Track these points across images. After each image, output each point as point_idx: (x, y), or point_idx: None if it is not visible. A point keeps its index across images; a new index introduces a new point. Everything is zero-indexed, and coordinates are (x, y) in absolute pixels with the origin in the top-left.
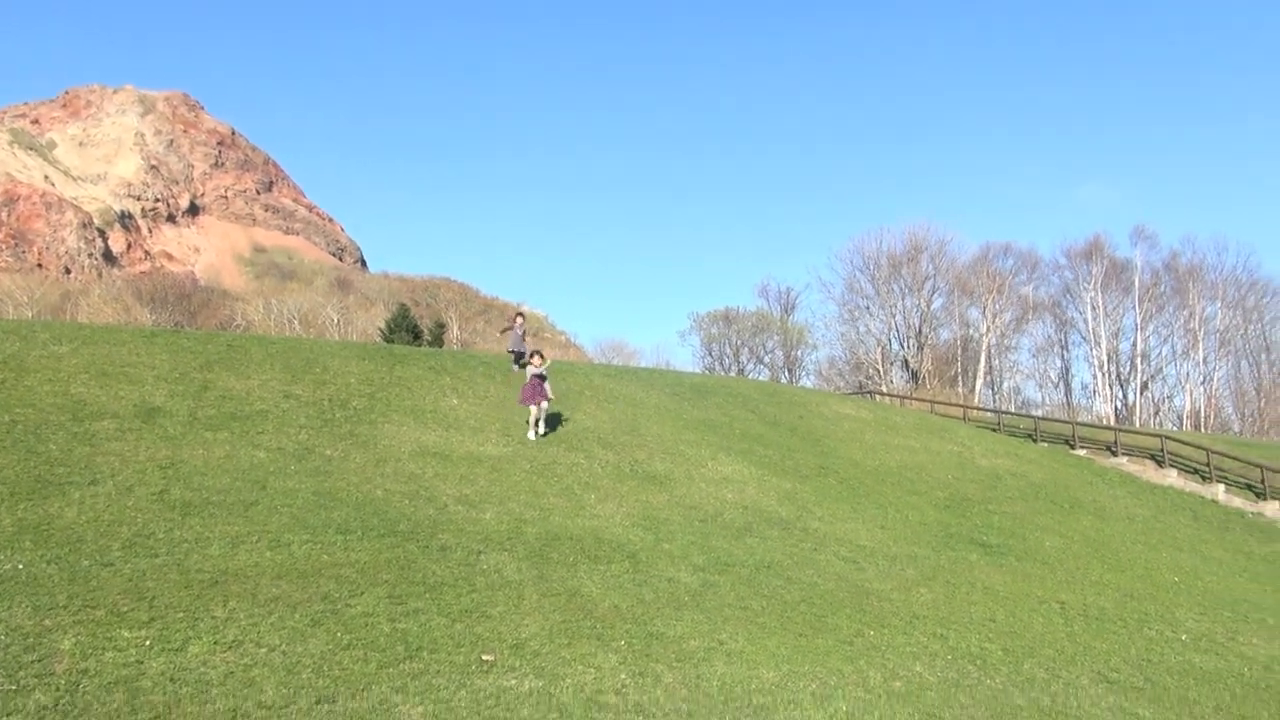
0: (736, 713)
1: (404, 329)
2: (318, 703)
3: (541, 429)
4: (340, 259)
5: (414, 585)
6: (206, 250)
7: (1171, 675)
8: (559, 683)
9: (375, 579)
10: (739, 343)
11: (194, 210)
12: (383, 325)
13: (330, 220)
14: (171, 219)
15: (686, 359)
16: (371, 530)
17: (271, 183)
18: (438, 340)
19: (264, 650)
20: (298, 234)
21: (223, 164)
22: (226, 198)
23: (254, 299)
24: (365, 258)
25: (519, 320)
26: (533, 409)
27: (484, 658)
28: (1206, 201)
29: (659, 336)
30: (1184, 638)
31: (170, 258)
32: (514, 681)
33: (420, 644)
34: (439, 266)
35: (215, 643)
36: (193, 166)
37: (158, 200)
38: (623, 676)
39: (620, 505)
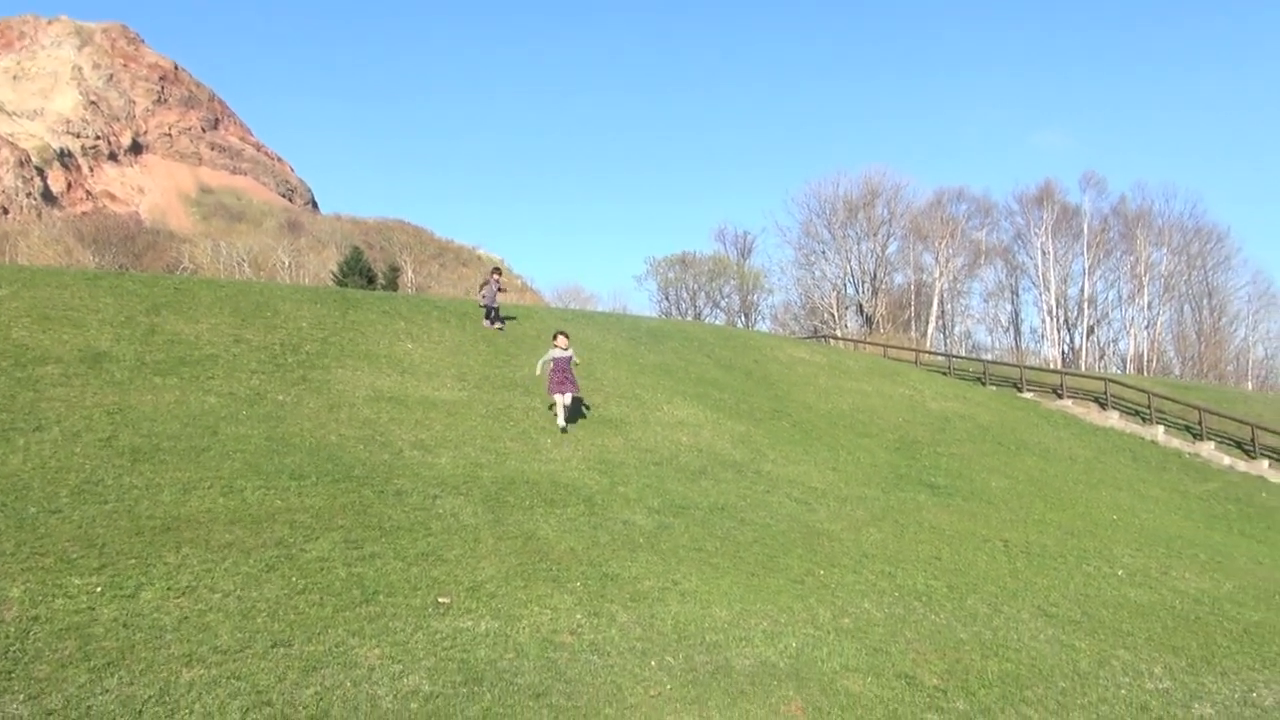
0: (690, 650)
1: (357, 272)
2: (273, 646)
3: (562, 422)
4: (290, 200)
5: (370, 530)
6: (151, 190)
7: (1107, 608)
8: (515, 624)
9: (330, 524)
10: (696, 287)
11: (137, 149)
12: (335, 268)
13: (279, 160)
14: (113, 157)
15: (643, 303)
16: (326, 475)
17: (217, 120)
18: (392, 284)
19: (218, 595)
20: (245, 174)
21: (166, 100)
22: (170, 135)
23: (202, 241)
24: (316, 199)
25: (496, 277)
26: (558, 397)
27: (440, 600)
28: (1159, 149)
29: (616, 281)
30: (1120, 573)
31: (113, 198)
32: (471, 623)
33: (376, 588)
34: (393, 209)
35: (168, 588)
36: (134, 103)
37: (98, 138)
38: (578, 617)
39: (576, 449)
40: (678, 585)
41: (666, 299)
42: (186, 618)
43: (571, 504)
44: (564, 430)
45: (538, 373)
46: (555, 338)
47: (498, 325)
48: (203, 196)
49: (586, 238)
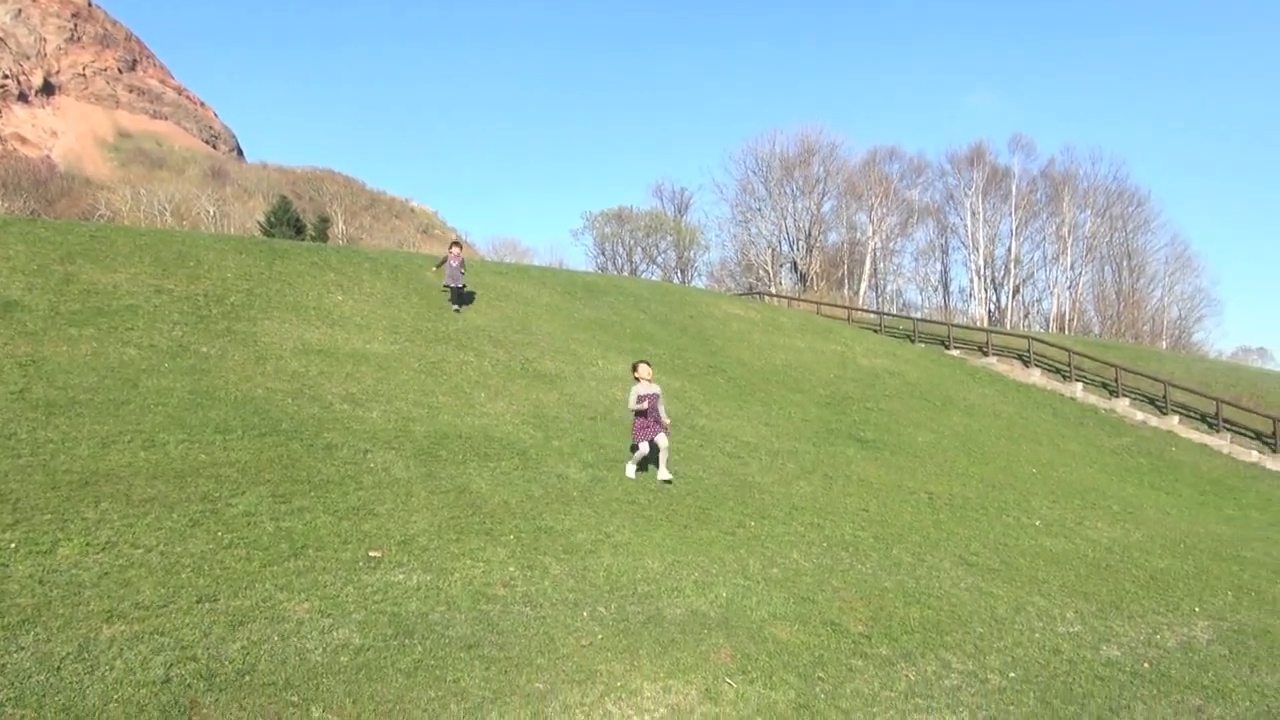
0: (622, 601)
1: (285, 223)
2: (199, 601)
3: (665, 474)
4: (214, 147)
5: (298, 484)
6: (65, 134)
7: (1024, 557)
8: (448, 576)
9: (257, 478)
10: (632, 242)
11: (49, 89)
12: (262, 218)
13: (202, 105)
14: (23, 98)
15: (580, 258)
16: (252, 429)
17: (135, 61)
18: (322, 235)
19: (140, 551)
20: (166, 118)
21: (79, 39)
22: (85, 76)
23: (120, 188)
24: (242, 146)
25: (456, 251)
26: (644, 446)
27: (371, 554)
28: (1087, 112)
29: (553, 235)
30: (1037, 523)
31: (24, 141)
32: (402, 576)
33: (306, 542)
34: (322, 158)
35: (87, 544)
36: (45, 40)
37: (6, 77)
38: (511, 569)
39: (511, 403)
40: (611, 538)
41: (603, 254)
42: (106, 573)
43: (505, 458)
44: (668, 482)
45: (631, 405)
46: (636, 369)
47: (456, 308)
48: (121, 141)
49: (523, 191)
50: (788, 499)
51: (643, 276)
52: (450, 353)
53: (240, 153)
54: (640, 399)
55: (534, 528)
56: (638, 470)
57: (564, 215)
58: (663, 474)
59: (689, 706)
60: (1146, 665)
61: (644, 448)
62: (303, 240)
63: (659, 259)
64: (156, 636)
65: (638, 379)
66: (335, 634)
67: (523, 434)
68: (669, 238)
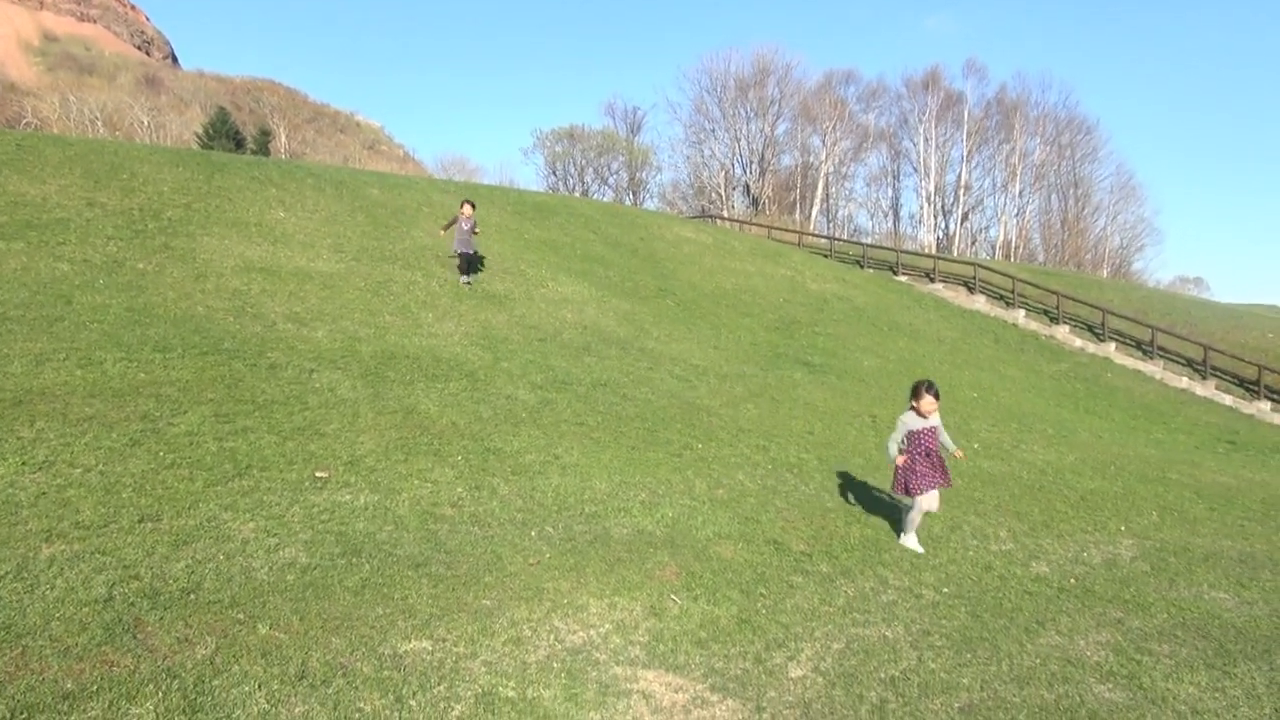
0: (569, 520)
1: (224, 135)
2: (140, 521)
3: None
4: (147, 53)
5: (242, 404)
6: None
7: (962, 478)
8: (395, 496)
9: (199, 397)
10: (584, 162)
11: None
12: (200, 130)
13: (133, 8)
14: None
15: (530, 177)
16: (193, 348)
17: None
18: (263, 149)
19: (79, 470)
20: (95, 21)
21: None
22: None
23: (47, 94)
24: (176, 53)
25: (468, 211)
26: (924, 500)
27: (318, 474)
28: (1040, 36)
29: (503, 154)
30: (976, 446)
31: None
32: (349, 496)
33: (250, 462)
34: (262, 67)
35: (23, 464)
36: None
37: None
38: (459, 489)
39: (459, 324)
40: (559, 459)
41: (554, 174)
42: (44, 493)
43: (454, 379)
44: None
45: (892, 454)
46: (920, 395)
47: (466, 281)
48: (47, 45)
49: (473, 108)
50: (735, 421)
51: (594, 197)
52: (397, 272)
53: (175, 60)
54: (904, 440)
55: (482, 448)
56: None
57: (514, 133)
58: (908, 540)
59: (634, 622)
60: (1073, 581)
61: (924, 501)
62: (243, 154)
63: (611, 180)
64: (98, 556)
65: (916, 410)
66: (281, 553)
67: (471, 355)
68: (621, 158)
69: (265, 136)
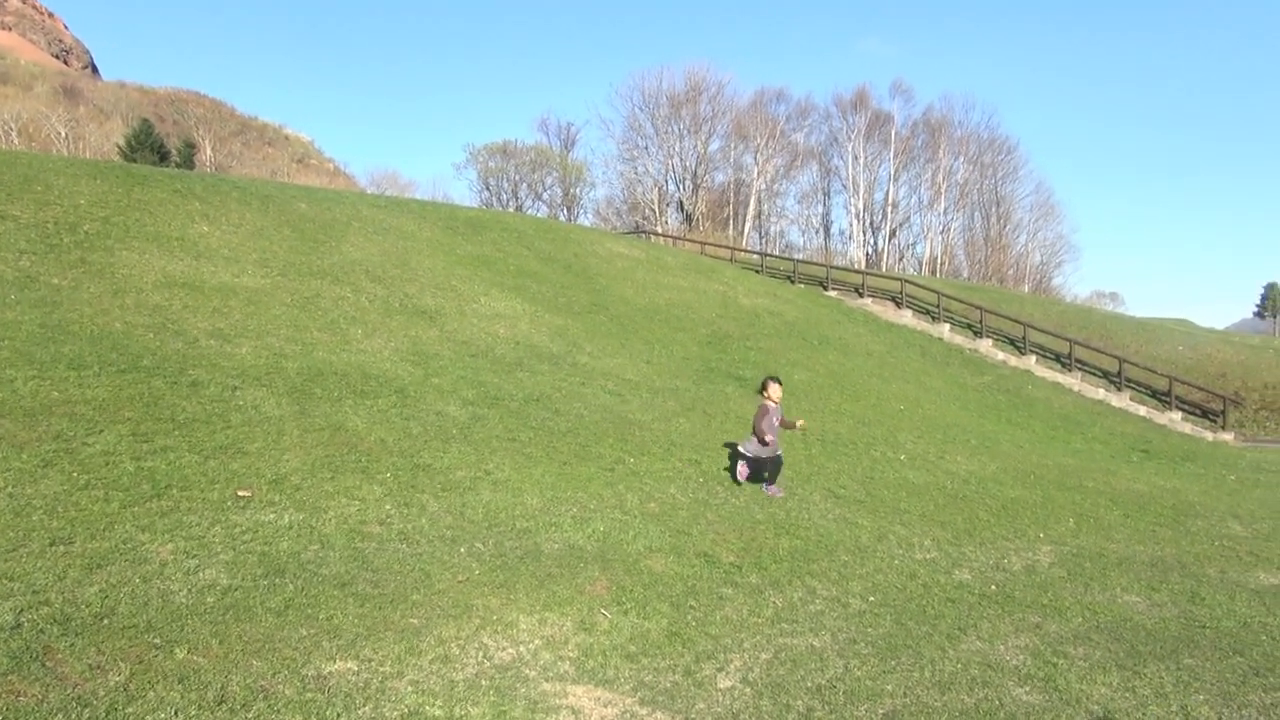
0: (500, 537)
1: (148, 148)
2: (52, 544)
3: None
4: (65, 62)
5: (161, 422)
6: None
7: (889, 489)
8: (321, 515)
9: (116, 416)
10: (517, 178)
11: None
12: (122, 142)
13: (50, 15)
14: None
15: (464, 193)
16: (110, 365)
17: None
18: (188, 162)
19: None
20: (9, 28)
21: None
22: None
23: None
24: (96, 63)
25: (775, 397)
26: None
27: (240, 493)
28: (966, 60)
29: (436, 169)
30: (902, 457)
31: None
32: (273, 516)
33: (169, 482)
34: (187, 78)
35: None
36: None
37: None
38: (388, 507)
39: (389, 340)
40: (490, 475)
41: (487, 189)
42: None
43: (383, 395)
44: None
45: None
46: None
47: (773, 491)
48: None
49: (405, 122)
50: (667, 436)
51: (528, 213)
52: (325, 288)
53: (95, 70)
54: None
55: (412, 465)
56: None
57: (448, 148)
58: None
59: (564, 637)
60: (994, 587)
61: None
62: (166, 167)
63: (545, 195)
64: (5, 581)
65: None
66: (201, 575)
67: (401, 371)
68: (555, 174)
69: (190, 149)
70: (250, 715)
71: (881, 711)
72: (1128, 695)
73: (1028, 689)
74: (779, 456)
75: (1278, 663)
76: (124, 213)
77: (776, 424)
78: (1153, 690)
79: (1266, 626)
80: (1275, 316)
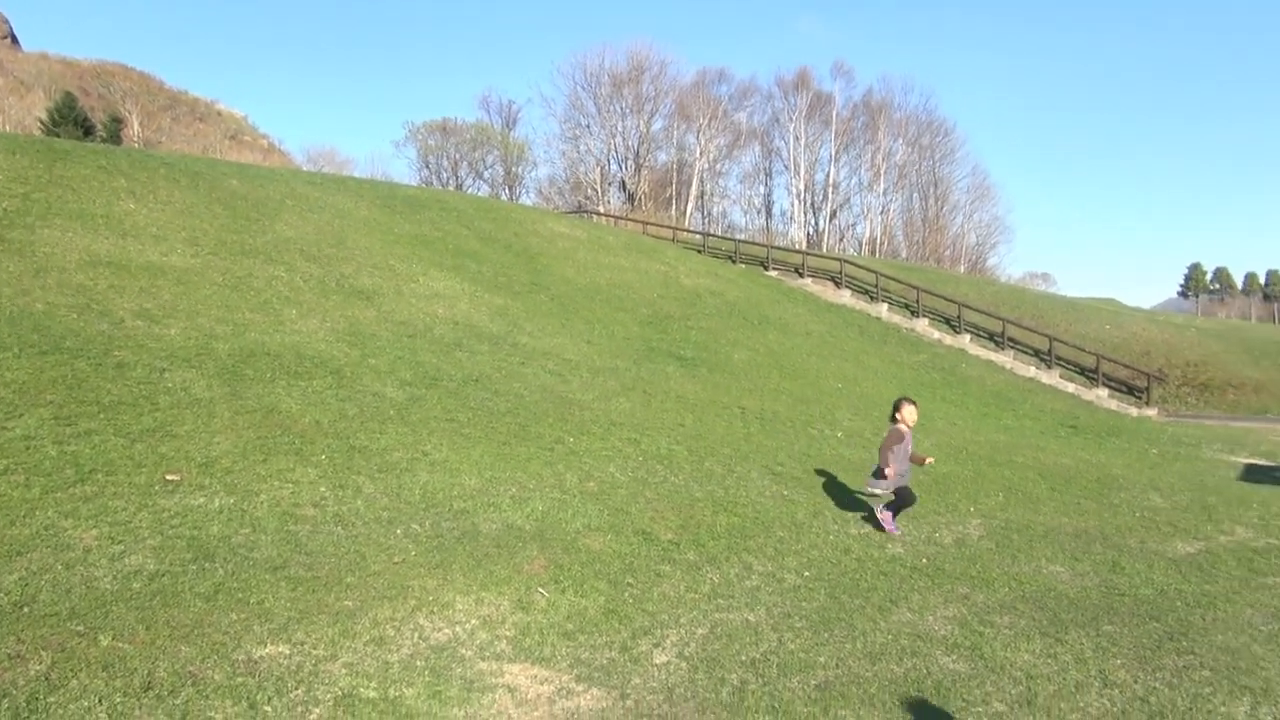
0: (437, 518)
1: (71, 122)
2: None
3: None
4: None
5: (85, 405)
6: None
7: (825, 466)
8: (253, 498)
9: (37, 399)
10: (458, 156)
11: None
12: (44, 116)
13: None
14: None
15: (403, 171)
16: (31, 347)
17: None
18: (114, 137)
19: None
20: None
21: None
22: None
23: None
24: (16, 33)
25: (910, 414)
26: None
27: (168, 477)
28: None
29: (374, 146)
30: (839, 435)
31: None
32: (203, 500)
33: (94, 466)
34: (113, 50)
35: None
36: None
37: None
38: (322, 489)
39: (324, 320)
40: (428, 455)
41: (427, 167)
42: None
43: (318, 376)
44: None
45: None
46: (901, 409)
47: (894, 531)
48: None
49: (343, 98)
50: (607, 415)
51: (469, 192)
52: (258, 267)
53: (15, 40)
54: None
55: (347, 447)
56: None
57: (387, 125)
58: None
59: (501, 616)
60: (925, 560)
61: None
62: (91, 142)
63: (486, 174)
64: None
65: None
66: (127, 561)
67: (336, 352)
68: (496, 152)
69: (116, 124)
70: (178, 702)
71: (814, 683)
72: (1049, 661)
73: (955, 658)
74: (907, 487)
75: (1191, 628)
76: (45, 189)
77: (908, 454)
78: (1073, 656)
79: (1181, 594)
80: (1198, 296)
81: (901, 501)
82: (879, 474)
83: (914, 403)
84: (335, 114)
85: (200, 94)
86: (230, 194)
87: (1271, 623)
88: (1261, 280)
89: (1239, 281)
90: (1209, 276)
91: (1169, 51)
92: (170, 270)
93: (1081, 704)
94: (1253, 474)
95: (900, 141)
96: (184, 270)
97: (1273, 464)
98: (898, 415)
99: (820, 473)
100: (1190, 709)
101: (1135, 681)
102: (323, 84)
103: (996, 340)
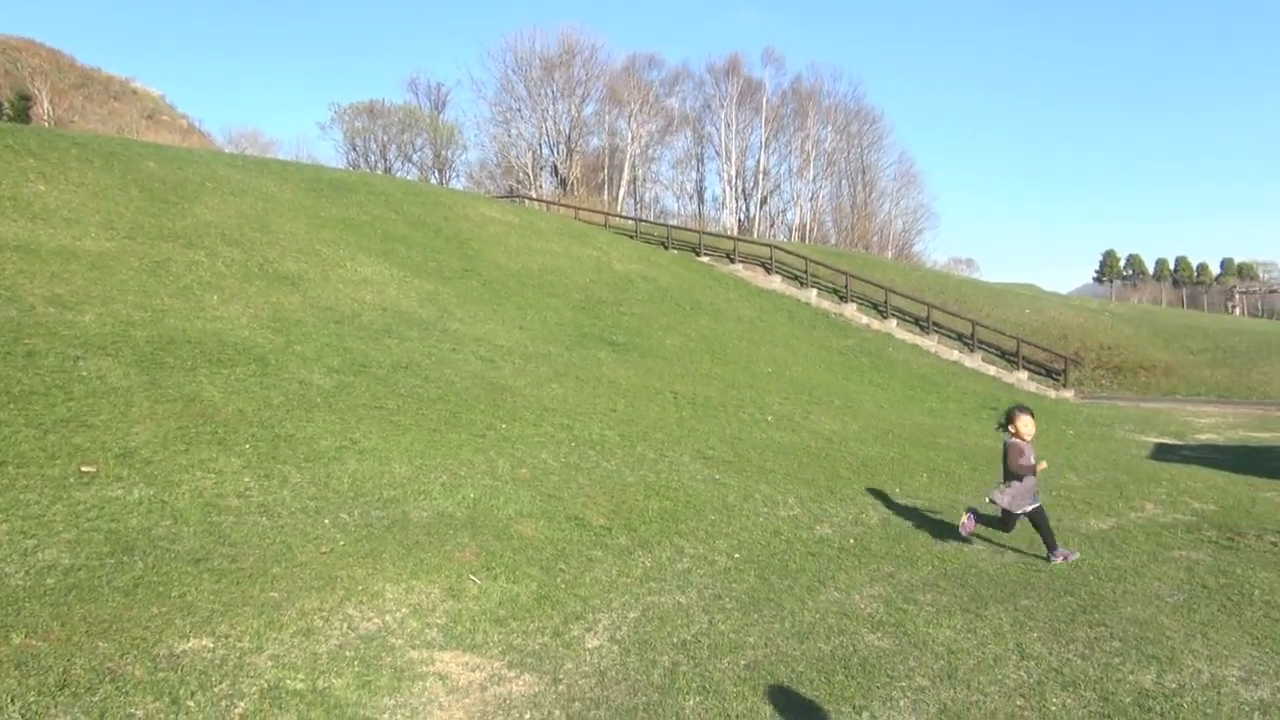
0: (366, 506)
1: None
2: None
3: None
4: None
5: None
6: None
7: (756, 449)
8: (174, 489)
9: None
10: (386, 139)
11: None
12: None
13: None
14: None
15: (329, 153)
16: None
17: None
18: (22, 116)
19: None
20: None
21: None
22: None
23: None
24: None
25: (1029, 426)
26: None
27: (84, 469)
28: (833, 31)
29: (300, 128)
30: (770, 419)
31: None
32: (120, 491)
33: (3, 458)
34: (20, 25)
35: None
36: None
37: None
38: (247, 479)
39: (247, 306)
40: (357, 444)
41: (354, 150)
42: None
43: (241, 364)
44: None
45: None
46: (1018, 419)
47: (1064, 555)
48: None
49: (266, 77)
50: (539, 401)
51: (398, 175)
52: (177, 252)
53: None
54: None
55: (272, 436)
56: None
57: (312, 107)
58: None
59: (431, 605)
60: (852, 541)
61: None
62: None
63: (415, 157)
64: None
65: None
66: (40, 555)
67: (261, 338)
68: (425, 135)
69: (25, 102)
70: (96, 699)
71: (744, 663)
72: (970, 636)
73: (880, 635)
74: (1040, 507)
75: (1102, 600)
76: None
77: (1033, 465)
78: (992, 630)
79: (1094, 568)
80: (1112, 282)
81: (1002, 524)
82: (1014, 485)
83: (1030, 412)
84: (258, 94)
85: (115, 71)
86: (147, 176)
87: (1177, 594)
88: (1171, 266)
89: (1150, 268)
90: (1123, 263)
91: (1084, 44)
92: (84, 254)
93: (1000, 676)
94: (1162, 453)
95: (829, 129)
96: (98, 254)
97: (1180, 443)
98: (1012, 427)
99: (751, 456)
100: (1101, 678)
101: (1050, 653)
102: (245, 63)
103: (922, 325)
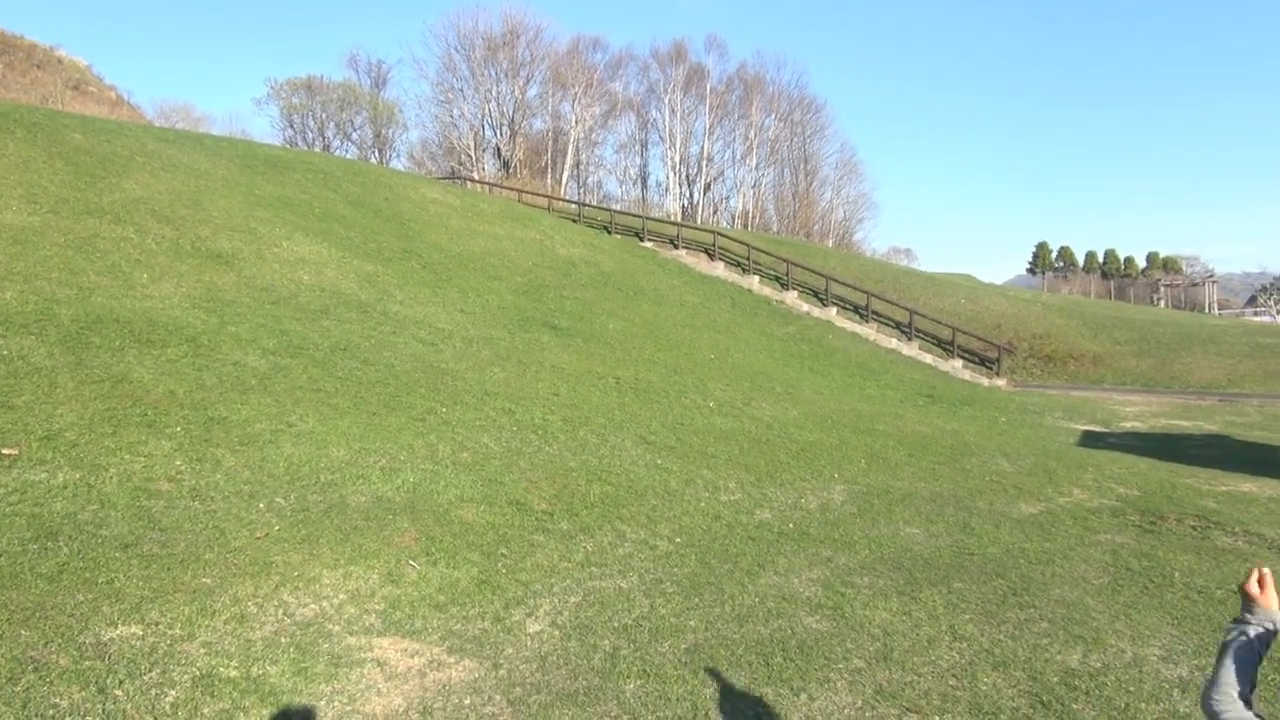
0: (303, 491)
1: None
2: None
3: None
4: None
5: None
6: None
7: (697, 435)
8: (101, 473)
9: None
10: (324, 116)
11: None
12: None
13: None
14: None
15: (265, 130)
16: None
17: None
18: None
19: None
20: None
21: None
22: None
23: None
24: None
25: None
26: None
27: (5, 451)
28: (777, 19)
29: (234, 103)
30: (711, 404)
31: None
32: (44, 475)
33: None
34: None
35: None
36: None
37: None
38: (178, 463)
39: (179, 285)
40: (293, 427)
41: (291, 127)
42: None
43: (172, 345)
44: None
45: None
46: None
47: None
48: None
49: (200, 49)
50: (481, 385)
51: (336, 154)
52: (105, 228)
53: None
54: None
55: (205, 418)
56: None
57: (247, 82)
58: None
59: (370, 590)
60: (791, 525)
61: None
62: None
63: (354, 136)
64: None
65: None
66: None
67: (193, 318)
68: (365, 114)
69: None
70: (19, 688)
71: (684, 646)
72: (905, 618)
73: (818, 618)
74: None
75: (1032, 583)
76: None
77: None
78: (926, 613)
79: (1025, 551)
80: (1044, 273)
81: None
82: None
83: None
84: (190, 67)
85: (37, 39)
86: (73, 148)
87: (1103, 577)
88: (1100, 259)
89: (1081, 260)
90: (1054, 255)
91: (1021, 40)
92: (4, 229)
93: (933, 657)
94: (1089, 440)
95: (772, 117)
96: (20, 229)
97: (1107, 430)
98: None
99: (692, 442)
100: (1030, 658)
101: (982, 635)
102: (177, 34)
103: (861, 313)
